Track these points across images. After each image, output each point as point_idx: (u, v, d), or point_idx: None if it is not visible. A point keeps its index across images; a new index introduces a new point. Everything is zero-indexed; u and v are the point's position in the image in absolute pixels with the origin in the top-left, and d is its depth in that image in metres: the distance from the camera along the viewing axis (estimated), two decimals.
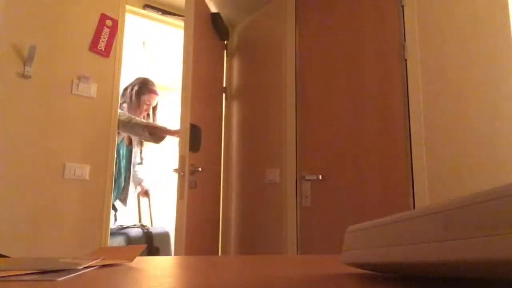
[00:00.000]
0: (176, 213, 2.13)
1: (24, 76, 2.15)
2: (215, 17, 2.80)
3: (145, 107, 2.91)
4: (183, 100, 2.24)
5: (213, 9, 2.94)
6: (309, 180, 2.41)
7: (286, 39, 2.69)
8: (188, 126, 2.20)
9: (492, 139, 1.85)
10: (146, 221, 3.12)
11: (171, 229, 2.79)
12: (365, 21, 2.37)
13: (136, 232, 2.67)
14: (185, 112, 2.21)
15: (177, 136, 2.62)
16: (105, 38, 2.46)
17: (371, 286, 0.28)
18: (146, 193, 3.16)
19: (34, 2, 2.25)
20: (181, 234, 2.08)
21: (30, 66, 2.16)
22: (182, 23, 3.01)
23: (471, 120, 1.92)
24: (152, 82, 2.99)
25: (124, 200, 2.81)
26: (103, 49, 2.44)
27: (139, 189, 3.10)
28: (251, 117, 2.90)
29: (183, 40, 2.30)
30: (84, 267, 0.38)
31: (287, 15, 2.72)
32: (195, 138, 2.26)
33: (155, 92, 2.95)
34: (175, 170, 2.60)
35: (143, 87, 2.92)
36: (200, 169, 2.32)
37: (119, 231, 2.64)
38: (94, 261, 0.42)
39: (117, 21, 2.53)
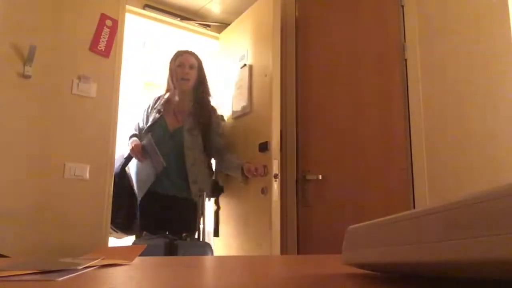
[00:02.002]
0: None
1: (24, 76, 2.15)
2: None
3: (179, 71, 2.47)
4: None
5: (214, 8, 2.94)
6: (309, 180, 2.41)
7: (286, 39, 2.69)
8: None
9: (492, 139, 1.85)
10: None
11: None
12: (365, 21, 2.37)
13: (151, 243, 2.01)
14: None
15: None
16: (105, 38, 2.45)
17: (371, 286, 0.28)
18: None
19: (34, 2, 2.25)
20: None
21: (30, 66, 2.15)
22: (182, 23, 3.01)
23: (471, 120, 1.92)
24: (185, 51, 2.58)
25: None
26: (103, 49, 2.44)
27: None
28: None
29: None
30: (84, 267, 0.38)
31: (287, 15, 2.71)
32: None
33: (186, 52, 2.54)
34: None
35: (173, 57, 2.56)
36: None
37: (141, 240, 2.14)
38: (94, 261, 0.42)
39: (117, 21, 2.53)
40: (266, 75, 2.38)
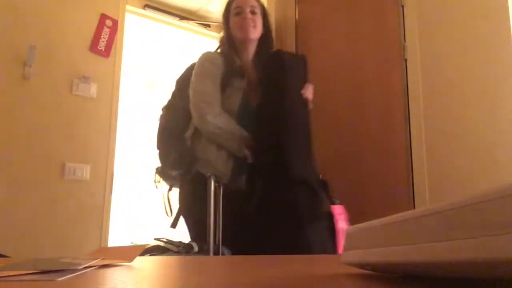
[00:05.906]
0: None
1: (24, 76, 2.15)
2: None
3: (237, 20, 1.69)
4: None
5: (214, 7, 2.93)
6: None
7: (286, 38, 2.69)
8: None
9: (492, 139, 1.85)
10: None
11: None
12: (365, 21, 2.37)
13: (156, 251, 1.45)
14: None
15: None
16: (105, 38, 2.46)
17: (371, 286, 0.28)
18: None
19: (34, 2, 2.25)
20: None
21: (30, 67, 2.15)
22: (181, 23, 3.02)
23: (471, 120, 1.92)
24: None
25: None
26: (103, 49, 2.44)
27: None
28: None
29: None
30: (84, 267, 0.38)
31: (287, 14, 2.71)
32: None
33: None
34: None
35: (227, 7, 1.77)
36: None
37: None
38: (94, 261, 0.42)
39: (117, 21, 2.53)
40: None
